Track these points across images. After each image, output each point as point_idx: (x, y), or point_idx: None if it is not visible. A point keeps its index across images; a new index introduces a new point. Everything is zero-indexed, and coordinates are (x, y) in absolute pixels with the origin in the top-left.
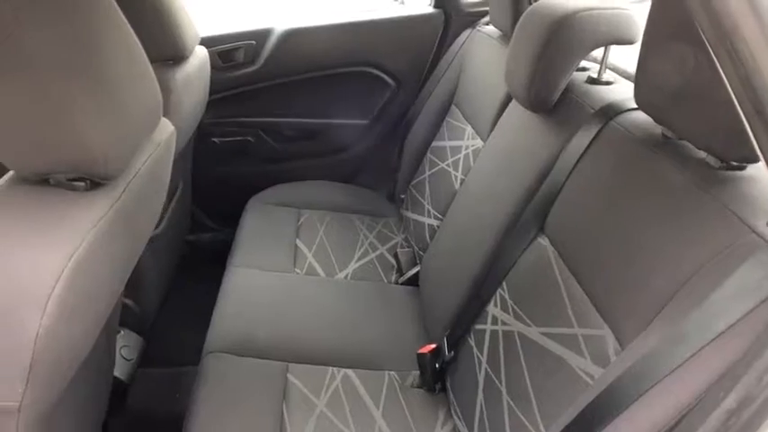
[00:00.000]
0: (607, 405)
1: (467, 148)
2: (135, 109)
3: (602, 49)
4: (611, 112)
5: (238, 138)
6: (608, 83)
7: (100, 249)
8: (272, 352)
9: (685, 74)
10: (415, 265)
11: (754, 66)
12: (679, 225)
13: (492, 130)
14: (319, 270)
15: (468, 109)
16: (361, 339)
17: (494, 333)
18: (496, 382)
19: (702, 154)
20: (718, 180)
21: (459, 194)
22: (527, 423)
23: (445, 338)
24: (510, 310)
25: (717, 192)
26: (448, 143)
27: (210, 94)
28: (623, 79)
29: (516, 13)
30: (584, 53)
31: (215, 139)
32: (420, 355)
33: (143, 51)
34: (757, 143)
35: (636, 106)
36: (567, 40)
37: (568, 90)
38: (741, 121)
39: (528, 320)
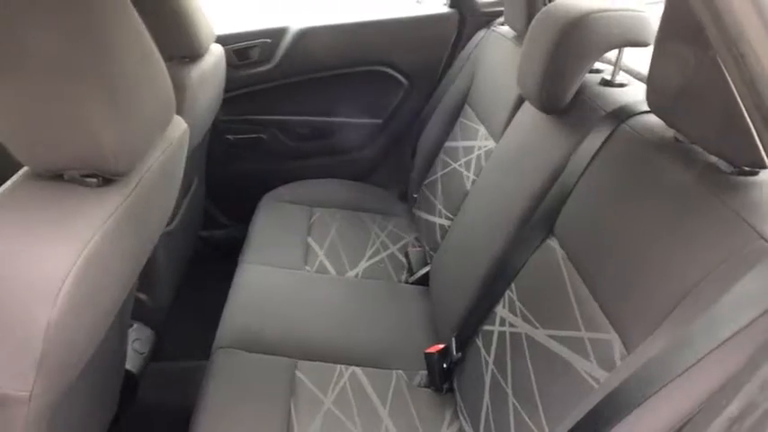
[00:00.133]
0: (611, 409)
1: (479, 148)
2: (147, 107)
3: (616, 50)
4: (623, 114)
5: (252, 135)
6: (621, 85)
7: (110, 244)
8: (281, 348)
9: (697, 78)
10: (425, 264)
11: (759, 71)
12: (688, 230)
13: (505, 130)
14: (330, 268)
15: (481, 109)
16: (370, 338)
17: (501, 334)
18: (503, 383)
19: (714, 158)
20: (729, 185)
21: (470, 195)
22: (532, 425)
23: (453, 339)
24: (518, 311)
25: (727, 197)
26: (461, 143)
27: (225, 91)
28: (637, 81)
29: (531, 13)
30: (598, 55)
31: (229, 137)
32: (428, 355)
33: (156, 49)
34: (764, 148)
35: (648, 109)
36: (580, 41)
37: (581, 92)
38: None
39: (535, 322)
